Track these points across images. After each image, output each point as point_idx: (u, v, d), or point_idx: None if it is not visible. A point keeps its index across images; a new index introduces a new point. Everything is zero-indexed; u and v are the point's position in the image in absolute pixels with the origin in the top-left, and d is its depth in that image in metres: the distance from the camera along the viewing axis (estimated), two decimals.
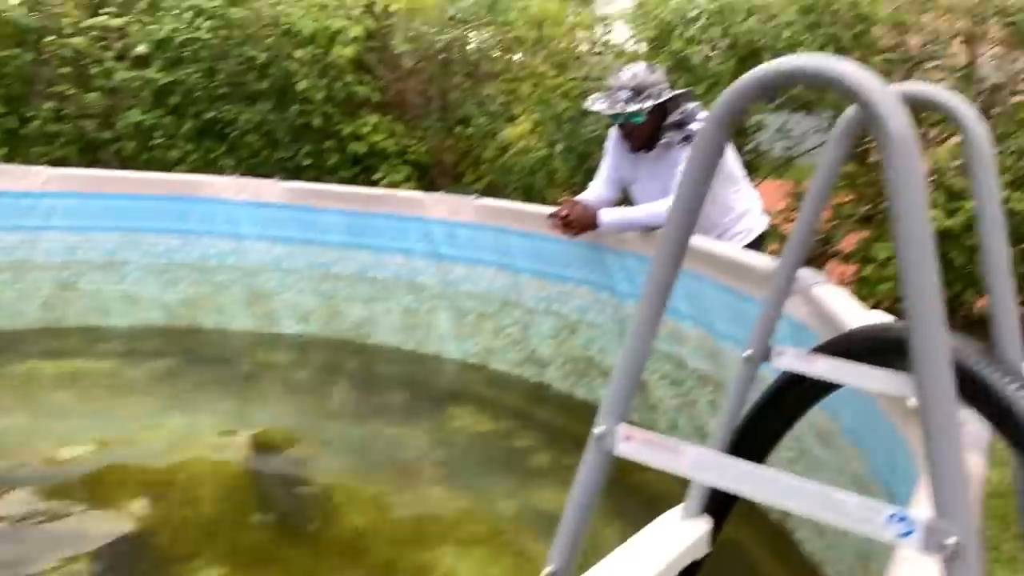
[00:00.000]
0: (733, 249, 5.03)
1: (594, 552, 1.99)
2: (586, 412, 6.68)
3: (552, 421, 6.07)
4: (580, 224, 5.56)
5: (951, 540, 1.31)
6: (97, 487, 4.75)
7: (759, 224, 5.54)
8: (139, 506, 4.56)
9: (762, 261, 4.61)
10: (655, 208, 5.29)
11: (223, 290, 7.25)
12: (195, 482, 4.85)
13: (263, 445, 5.37)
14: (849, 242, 8.23)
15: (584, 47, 9.94)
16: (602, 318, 5.94)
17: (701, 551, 2.20)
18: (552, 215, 5.68)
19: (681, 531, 2.18)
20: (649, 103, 5.06)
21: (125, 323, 7.22)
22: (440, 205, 6.77)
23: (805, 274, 3.84)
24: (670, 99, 5.14)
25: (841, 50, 7.61)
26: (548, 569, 1.77)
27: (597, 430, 1.73)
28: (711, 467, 1.61)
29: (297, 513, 4.70)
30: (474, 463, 5.37)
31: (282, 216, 7.14)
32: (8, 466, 4.92)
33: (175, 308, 7.28)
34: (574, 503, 1.80)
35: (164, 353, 6.86)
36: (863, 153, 8.06)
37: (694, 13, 8.09)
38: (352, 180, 9.41)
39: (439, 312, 6.85)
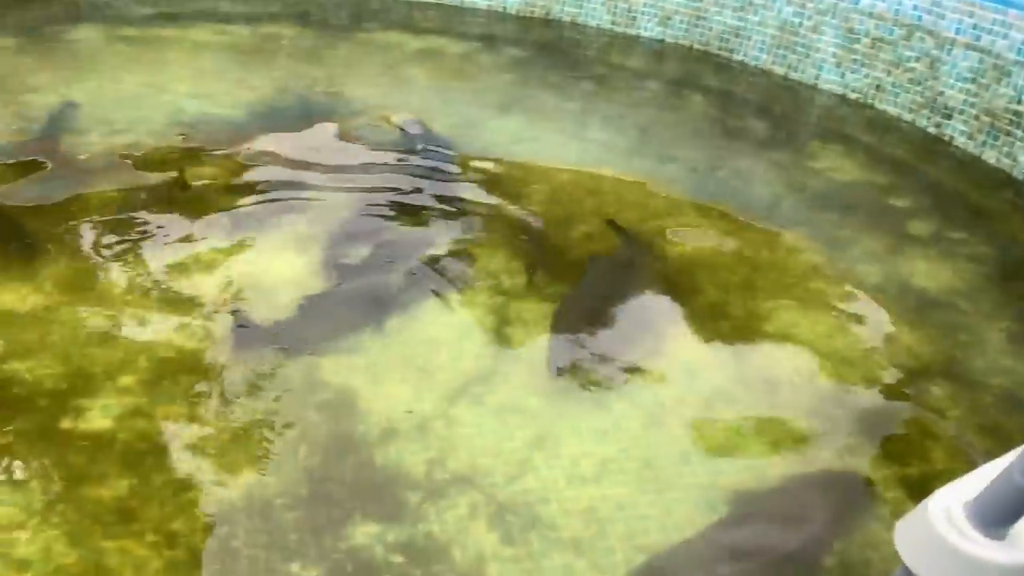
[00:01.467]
0: None
1: None
2: (995, 181, 5.55)
3: (944, 183, 4.94)
4: None
5: None
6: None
7: None
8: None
9: None
10: None
11: None
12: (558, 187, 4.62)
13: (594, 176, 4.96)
14: None
15: None
16: None
17: None
18: None
19: None
20: None
21: (483, 4, 6.91)
22: None
23: None
24: None
25: None
26: None
27: None
28: None
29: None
30: (836, 213, 4.54)
31: None
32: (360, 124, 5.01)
33: None
34: None
35: (519, 41, 6.51)
36: None
37: None
38: None
39: (824, 31, 5.69)
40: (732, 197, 4.60)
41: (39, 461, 2.69)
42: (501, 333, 3.47)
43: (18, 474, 2.64)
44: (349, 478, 2.75)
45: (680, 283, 3.86)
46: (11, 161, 4.34)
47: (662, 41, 6.47)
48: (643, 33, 6.53)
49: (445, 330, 3.46)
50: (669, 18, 6.39)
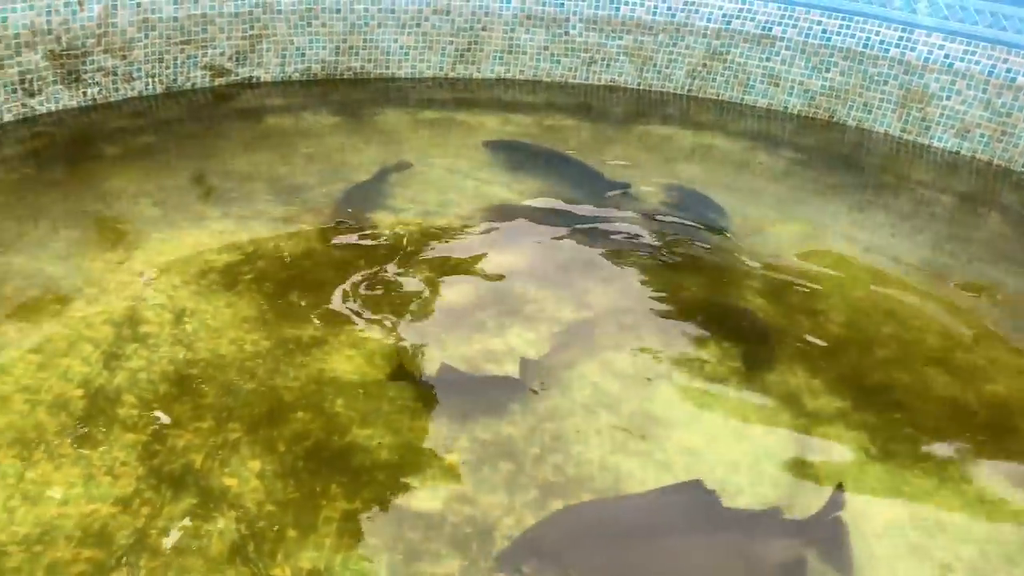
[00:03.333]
0: None
1: None
2: None
3: None
4: None
5: None
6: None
7: None
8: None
9: None
10: None
11: (875, 85, 6.46)
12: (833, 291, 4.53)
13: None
14: None
15: None
16: None
17: None
18: None
19: None
20: None
21: (764, 102, 6.93)
22: None
23: None
24: None
25: None
26: None
27: None
28: None
29: None
30: None
31: (970, 5, 5.92)
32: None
33: (817, 96, 6.74)
34: None
35: (799, 144, 6.46)
36: None
37: None
38: None
39: None
40: None
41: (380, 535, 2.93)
42: (802, 461, 3.40)
43: (370, 543, 2.89)
44: None
45: (995, 427, 3.62)
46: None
47: (957, 153, 6.18)
48: (936, 144, 6.27)
49: (743, 452, 3.44)
50: (968, 130, 6.10)
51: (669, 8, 6.82)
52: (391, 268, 4.48)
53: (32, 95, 5.66)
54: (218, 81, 6.51)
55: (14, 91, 5.56)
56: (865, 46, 6.40)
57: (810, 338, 4.13)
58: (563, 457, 3.32)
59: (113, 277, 4.19)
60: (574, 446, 3.37)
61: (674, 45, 6.96)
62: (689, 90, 7.09)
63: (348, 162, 5.67)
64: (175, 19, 6.05)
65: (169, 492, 3.00)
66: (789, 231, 5.13)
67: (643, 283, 4.52)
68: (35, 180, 5.10)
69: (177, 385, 3.51)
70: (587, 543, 2.85)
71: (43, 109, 5.76)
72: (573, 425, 3.48)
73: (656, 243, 4.90)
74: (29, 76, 5.59)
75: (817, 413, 3.65)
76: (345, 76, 6.93)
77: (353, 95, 6.83)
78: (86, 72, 5.83)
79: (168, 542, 2.82)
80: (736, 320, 4.23)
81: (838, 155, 6.30)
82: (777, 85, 6.83)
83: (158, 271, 4.26)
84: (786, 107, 6.85)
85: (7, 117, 5.60)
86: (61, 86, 5.77)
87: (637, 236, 4.96)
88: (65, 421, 3.28)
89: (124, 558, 2.75)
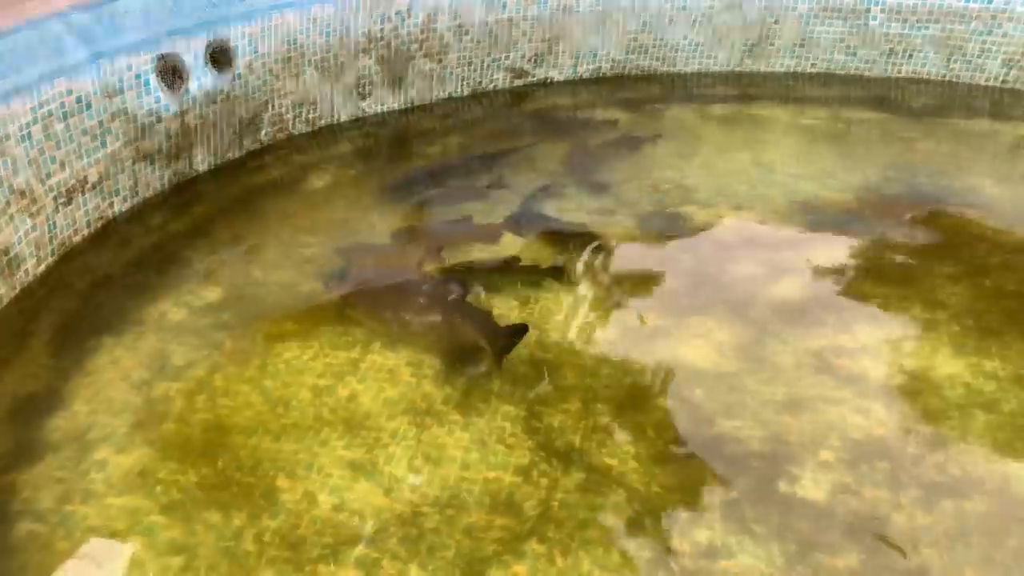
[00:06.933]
0: None
1: None
2: None
3: None
4: None
5: None
6: None
7: None
8: None
9: None
10: None
11: None
12: None
13: None
14: None
15: None
16: None
17: None
18: None
19: None
20: None
21: None
22: None
23: None
24: None
25: None
26: None
27: None
28: None
29: None
30: None
31: None
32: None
33: None
34: None
35: None
36: None
37: None
38: None
39: None
40: None
41: (766, 521, 2.96)
42: None
43: (757, 529, 2.93)
44: None
45: None
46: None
47: None
48: None
49: None
50: None
51: None
52: (713, 263, 4.51)
53: (364, 98, 6.20)
54: (516, 83, 6.82)
55: (350, 94, 6.12)
56: None
57: None
58: (944, 457, 3.20)
59: None
60: (954, 445, 3.25)
61: (989, 33, 6.49)
62: (1003, 81, 6.59)
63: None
64: (485, 23, 6.41)
65: (560, 466, 3.19)
66: None
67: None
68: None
69: (535, 367, 3.72)
70: None
71: (371, 111, 6.30)
72: (949, 426, 3.35)
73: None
74: (363, 80, 6.13)
75: None
76: (632, 74, 7.04)
77: (641, 91, 6.93)
78: (408, 76, 6.30)
79: (567, 514, 3.00)
80: None
81: None
82: None
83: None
84: None
85: (344, 117, 6.19)
86: (387, 89, 6.27)
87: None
88: (449, 392, 3.57)
89: (533, 527, 2.95)
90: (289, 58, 5.64)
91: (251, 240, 4.79)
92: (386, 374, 3.66)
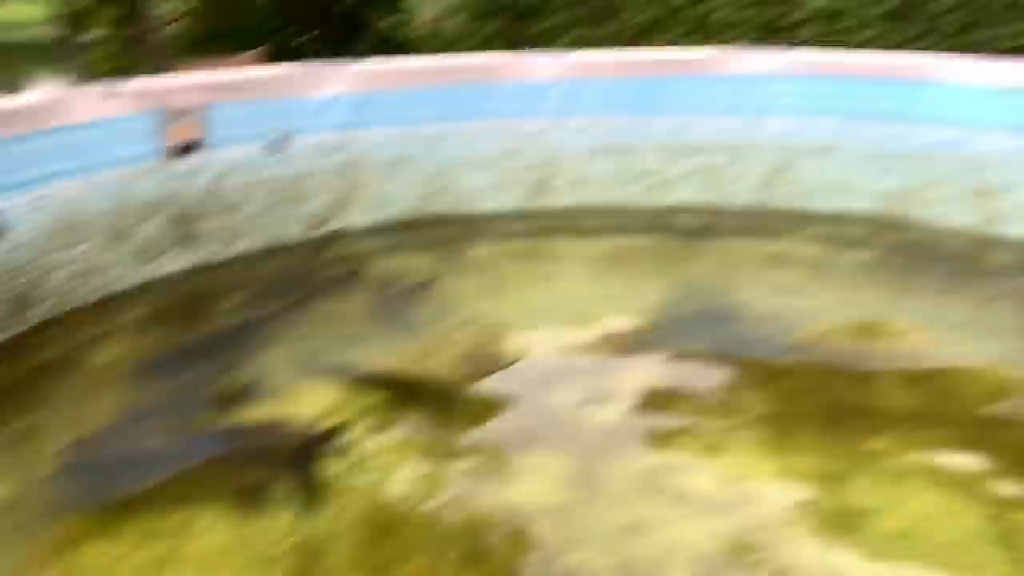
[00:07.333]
0: None
1: None
2: None
3: None
4: None
5: None
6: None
7: None
8: None
9: None
10: None
11: (939, 183, 6.77)
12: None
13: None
14: None
15: None
16: None
17: None
18: None
19: None
20: None
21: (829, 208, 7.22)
22: None
23: None
24: None
25: None
26: None
27: None
28: None
29: None
30: None
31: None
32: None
33: (886, 197, 7.02)
34: None
35: (868, 244, 6.71)
36: None
37: None
38: None
39: None
40: None
41: None
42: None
43: None
44: None
45: None
46: None
47: None
48: (1009, 234, 6.53)
49: None
50: None
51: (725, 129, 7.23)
52: (531, 396, 4.57)
53: (149, 261, 5.87)
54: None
55: (136, 259, 5.77)
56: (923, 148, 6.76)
57: None
58: (783, 557, 3.33)
59: None
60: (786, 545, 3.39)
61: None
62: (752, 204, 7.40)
63: None
64: (276, 178, 6.37)
65: None
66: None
67: None
68: None
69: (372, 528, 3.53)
70: None
71: (159, 273, 5.97)
72: (778, 528, 3.51)
73: None
74: (148, 243, 5.81)
75: None
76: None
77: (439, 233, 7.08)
78: (197, 235, 6.06)
79: None
80: None
81: (910, 251, 6.55)
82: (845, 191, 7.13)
83: None
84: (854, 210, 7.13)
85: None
86: (176, 250, 6.00)
87: None
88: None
89: None
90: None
91: None
92: None
